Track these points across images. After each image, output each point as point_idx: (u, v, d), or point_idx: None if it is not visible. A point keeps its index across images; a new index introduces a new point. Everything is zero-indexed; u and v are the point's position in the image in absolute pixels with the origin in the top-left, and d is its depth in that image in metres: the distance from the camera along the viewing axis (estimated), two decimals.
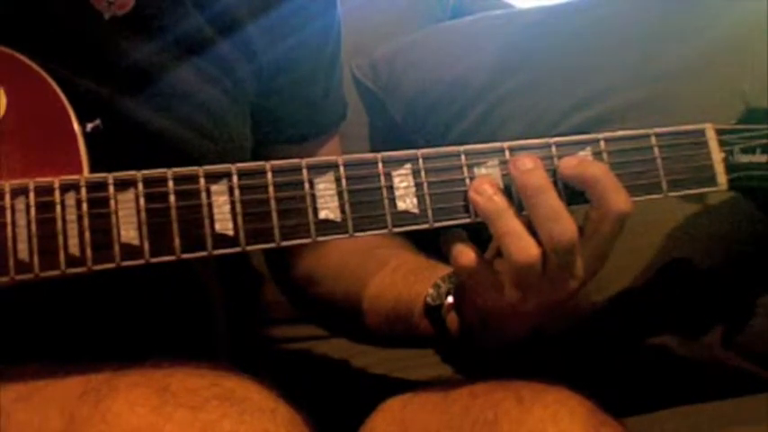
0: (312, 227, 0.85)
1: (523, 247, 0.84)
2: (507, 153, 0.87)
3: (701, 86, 1.30)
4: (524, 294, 0.87)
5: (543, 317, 0.91)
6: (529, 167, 0.86)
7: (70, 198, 0.83)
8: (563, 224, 0.84)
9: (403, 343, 1.10)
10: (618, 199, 0.85)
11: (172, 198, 0.83)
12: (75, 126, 0.88)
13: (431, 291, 0.99)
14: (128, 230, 0.83)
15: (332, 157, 0.86)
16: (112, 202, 0.83)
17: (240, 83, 1.07)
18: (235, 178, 0.84)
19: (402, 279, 1.04)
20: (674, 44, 1.39)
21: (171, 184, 0.83)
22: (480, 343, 0.96)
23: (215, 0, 1.03)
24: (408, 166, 0.87)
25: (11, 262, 0.82)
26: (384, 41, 1.63)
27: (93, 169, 0.86)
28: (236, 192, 0.84)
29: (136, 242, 0.83)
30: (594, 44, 1.46)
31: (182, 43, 1.01)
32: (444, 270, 1.01)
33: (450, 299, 0.98)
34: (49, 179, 0.83)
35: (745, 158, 0.91)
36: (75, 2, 0.96)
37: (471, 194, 0.86)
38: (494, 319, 0.92)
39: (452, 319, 0.98)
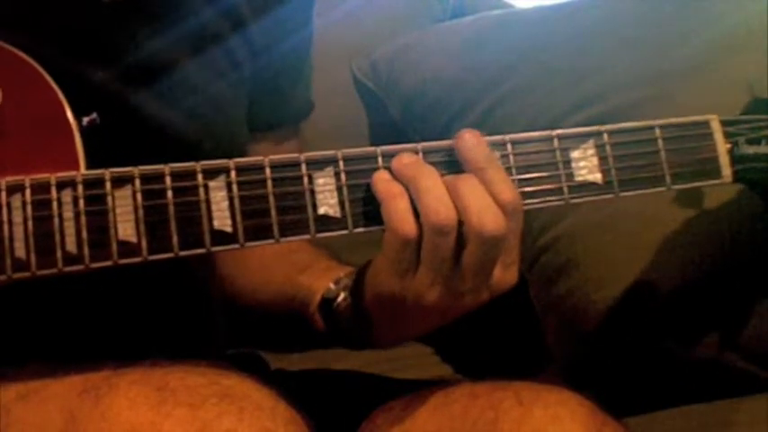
0: (311, 223, 0.84)
1: (441, 209, 0.81)
2: (510, 146, 0.87)
3: (701, 86, 1.30)
4: (434, 281, 0.83)
5: (440, 319, 0.88)
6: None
7: (67, 195, 0.82)
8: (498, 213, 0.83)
9: (294, 342, 1.10)
10: (504, 190, 0.83)
11: (169, 194, 0.82)
12: (72, 121, 0.87)
13: (331, 285, 0.96)
14: (125, 228, 0.82)
15: (331, 152, 0.85)
16: (109, 199, 0.82)
17: (239, 67, 1.06)
18: (233, 174, 0.83)
19: (308, 277, 1.02)
20: (675, 43, 1.40)
21: (168, 180, 0.83)
22: (375, 339, 0.94)
23: None
24: None
25: (7, 260, 0.81)
26: (384, 41, 1.64)
27: (89, 164, 0.86)
28: (235, 188, 0.83)
29: (133, 239, 0.82)
30: (595, 44, 1.46)
31: (183, 30, 1.00)
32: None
33: (343, 295, 0.96)
34: (45, 176, 0.82)
35: (750, 150, 0.90)
36: None
37: (394, 162, 0.85)
38: (392, 314, 0.89)
39: (346, 312, 0.96)
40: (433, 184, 0.82)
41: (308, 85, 1.19)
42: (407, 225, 0.82)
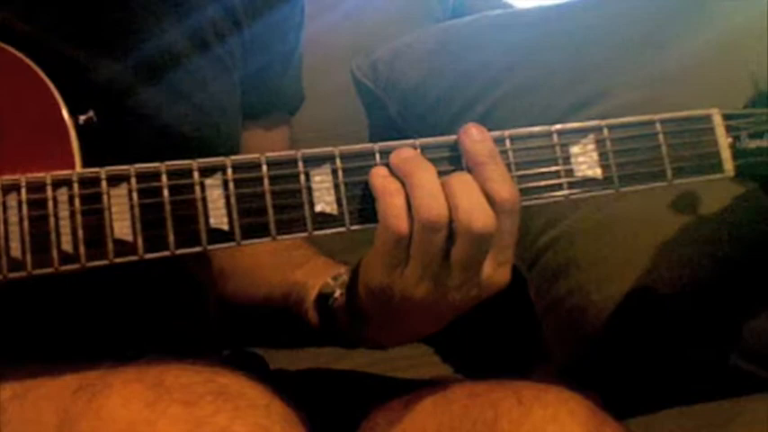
0: (308, 220, 0.83)
1: (434, 205, 0.81)
2: (509, 142, 0.86)
3: (701, 87, 1.30)
4: (422, 277, 0.83)
5: (433, 320, 0.88)
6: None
7: (63, 194, 0.82)
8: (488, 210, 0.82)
9: (286, 339, 1.10)
10: (501, 188, 0.83)
11: (165, 192, 0.82)
12: (68, 119, 0.87)
13: (330, 281, 0.96)
14: (121, 226, 0.82)
15: (328, 149, 0.84)
16: (105, 198, 0.82)
17: (233, 60, 1.06)
18: (229, 171, 0.83)
19: (304, 273, 1.02)
20: (675, 43, 1.39)
21: (164, 178, 0.82)
22: (369, 337, 0.94)
23: None
24: None
25: (3, 260, 0.81)
26: (384, 41, 1.64)
27: (85, 163, 0.85)
28: (231, 185, 0.83)
29: (129, 238, 0.82)
30: (595, 44, 1.46)
31: (178, 26, 1.01)
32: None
33: (339, 291, 0.95)
34: (40, 175, 0.82)
35: (752, 144, 0.89)
36: None
37: (392, 156, 0.85)
38: (382, 309, 0.88)
39: (341, 308, 0.95)
40: (427, 181, 0.82)
41: (299, 78, 1.20)
42: (401, 222, 0.81)
